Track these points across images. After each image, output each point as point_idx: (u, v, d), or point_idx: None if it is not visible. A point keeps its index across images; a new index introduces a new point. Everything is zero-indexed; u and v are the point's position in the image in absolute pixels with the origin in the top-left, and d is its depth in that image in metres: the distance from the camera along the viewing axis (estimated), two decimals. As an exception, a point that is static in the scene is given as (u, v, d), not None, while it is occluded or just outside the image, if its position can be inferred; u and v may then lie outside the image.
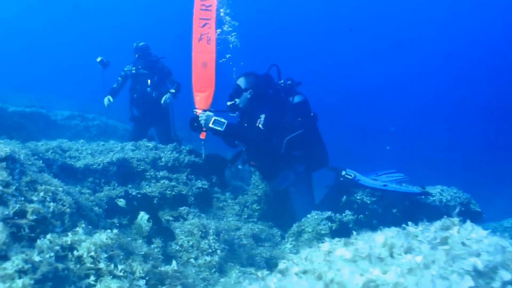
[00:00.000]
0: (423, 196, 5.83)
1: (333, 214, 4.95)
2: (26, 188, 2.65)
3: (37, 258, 2.07)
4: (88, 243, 2.37)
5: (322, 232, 4.68)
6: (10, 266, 1.96)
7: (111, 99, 9.29)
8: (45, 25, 45.85)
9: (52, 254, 2.19)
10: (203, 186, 5.69)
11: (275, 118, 5.55)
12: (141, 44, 9.35)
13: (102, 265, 2.31)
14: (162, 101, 8.96)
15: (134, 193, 4.81)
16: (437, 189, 6.20)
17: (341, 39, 41.92)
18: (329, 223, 4.80)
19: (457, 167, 21.25)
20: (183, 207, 4.90)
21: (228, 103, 5.93)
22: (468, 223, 1.52)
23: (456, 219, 1.56)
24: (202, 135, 5.93)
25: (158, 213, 4.57)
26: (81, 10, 47.00)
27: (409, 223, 1.81)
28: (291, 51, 42.85)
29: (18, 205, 2.39)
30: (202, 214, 4.99)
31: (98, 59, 9.32)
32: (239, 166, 6.28)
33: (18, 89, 18.62)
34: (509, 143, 27.55)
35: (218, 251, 3.82)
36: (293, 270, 1.52)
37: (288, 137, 5.59)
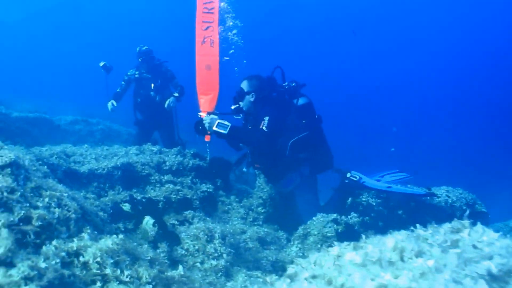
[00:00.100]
0: (428, 197, 5.80)
1: (338, 217, 4.94)
2: (31, 194, 2.64)
3: (43, 265, 2.06)
4: (94, 248, 2.36)
5: (328, 234, 4.66)
6: (16, 273, 1.94)
7: (114, 103, 9.29)
8: (47, 31, 45.91)
9: (58, 260, 2.18)
10: (208, 190, 5.68)
11: (279, 120, 5.54)
12: (144, 48, 9.34)
13: (108, 270, 2.29)
14: (165, 105, 8.96)
15: (139, 198, 4.80)
16: (442, 190, 6.18)
17: (343, 41, 41.87)
18: (335, 226, 4.78)
19: (461, 167, 21.19)
20: (188, 211, 4.89)
21: (232, 107, 5.94)
22: (479, 226, 1.50)
23: (466, 222, 1.54)
24: (207, 138, 5.92)
25: (163, 217, 4.56)
26: (84, 15, 47.10)
27: (418, 225, 1.79)
28: (294, 53, 42.87)
29: (23, 211, 2.38)
30: (208, 218, 4.97)
31: (101, 64, 9.32)
32: (244, 169, 6.26)
33: (22, 94, 18.63)
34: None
35: (224, 255, 3.81)
36: (303, 275, 1.50)
37: (293, 139, 5.57)
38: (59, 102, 20.43)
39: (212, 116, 5.68)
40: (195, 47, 6.23)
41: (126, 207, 4.50)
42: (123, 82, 9.61)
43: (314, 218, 4.99)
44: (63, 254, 2.26)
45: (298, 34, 45.09)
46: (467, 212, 1.68)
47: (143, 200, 4.76)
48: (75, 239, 2.48)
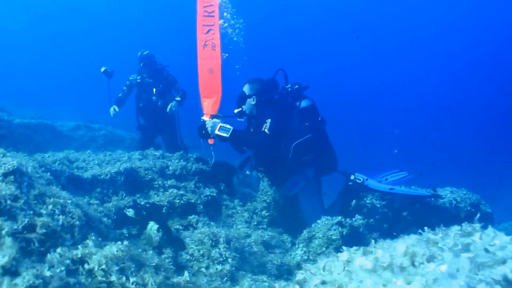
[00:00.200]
0: (433, 199, 5.78)
1: (343, 219, 4.91)
2: (35, 202, 2.62)
3: (48, 273, 2.04)
4: (99, 256, 2.34)
5: (333, 237, 4.64)
6: (21, 282, 1.93)
7: (116, 108, 9.30)
8: (49, 37, 46.01)
9: (62, 268, 2.16)
10: (212, 194, 5.67)
11: (281, 122, 5.52)
12: (145, 52, 9.35)
13: (113, 278, 2.27)
14: (168, 109, 8.95)
15: (142, 203, 4.78)
16: (446, 191, 6.16)
17: (346, 43, 41.86)
18: (340, 228, 4.75)
19: (464, 168, 21.15)
20: (192, 216, 4.87)
21: (235, 110, 5.94)
22: (490, 229, 1.47)
23: (477, 225, 1.52)
24: (211, 141, 5.91)
25: (167, 222, 4.54)
26: (86, 21, 47.17)
27: (426, 228, 1.77)
28: (297, 54, 42.91)
29: (27, 219, 2.36)
30: (212, 222, 4.95)
31: (102, 69, 9.33)
32: (247, 172, 6.25)
33: (24, 100, 18.67)
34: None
35: (229, 260, 3.78)
36: (312, 282, 1.48)
37: (296, 142, 5.55)
38: (61, 108, 20.47)
39: (214, 120, 5.68)
40: (197, 50, 6.23)
41: (130, 212, 4.49)
42: (125, 87, 9.62)
43: (318, 221, 4.96)
44: (68, 261, 2.25)
45: (300, 35, 45.14)
46: (478, 215, 1.66)
47: (147, 205, 4.74)
48: (79, 246, 2.47)
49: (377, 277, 1.33)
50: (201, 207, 5.26)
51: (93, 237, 2.68)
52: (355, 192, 5.81)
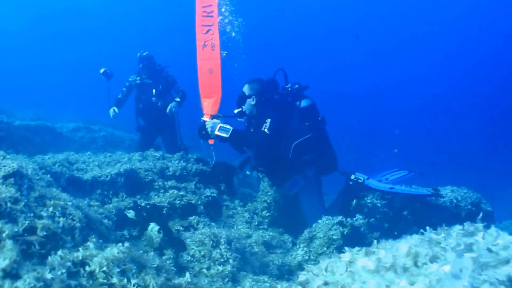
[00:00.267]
0: (433, 198, 5.77)
1: (344, 219, 4.90)
2: (35, 204, 2.62)
3: (49, 276, 2.04)
4: (100, 258, 2.34)
5: (334, 237, 4.63)
6: (22, 285, 1.92)
7: (116, 110, 9.29)
8: (47, 38, 45.98)
9: (64, 270, 2.16)
10: (212, 195, 5.66)
11: (281, 122, 5.52)
12: (145, 53, 9.33)
13: (115, 280, 2.27)
14: (167, 110, 8.94)
15: (143, 204, 4.78)
16: (447, 190, 6.16)
17: (346, 43, 41.83)
18: (341, 228, 4.75)
19: (464, 167, 21.14)
20: (193, 217, 4.86)
21: (235, 111, 5.94)
22: (493, 228, 1.47)
23: (480, 225, 1.51)
24: (211, 141, 5.91)
25: (168, 223, 4.53)
26: (85, 22, 47.15)
27: (428, 228, 1.76)
28: (296, 55, 42.89)
29: (27, 222, 2.36)
30: (212, 223, 4.94)
31: (101, 71, 9.31)
32: (247, 172, 6.25)
33: (23, 102, 18.65)
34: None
35: (230, 260, 3.78)
36: (315, 283, 1.47)
37: (296, 141, 5.55)
38: (60, 109, 20.45)
39: (214, 120, 5.68)
40: (196, 51, 6.23)
41: (131, 214, 4.48)
42: (124, 88, 9.61)
43: (319, 221, 4.95)
44: (69, 264, 2.24)
45: (301, 35, 45.14)
46: (480, 215, 1.65)
47: (147, 206, 4.74)
48: (80, 249, 2.46)
49: (380, 278, 1.32)
50: (202, 207, 5.25)
51: (94, 239, 2.68)
52: (355, 191, 5.80)
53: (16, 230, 2.24)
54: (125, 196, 5.26)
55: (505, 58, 36.86)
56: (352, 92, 37.52)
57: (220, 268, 3.69)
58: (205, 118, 5.89)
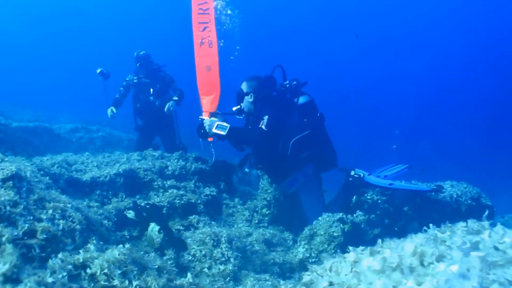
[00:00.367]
0: (433, 193, 5.76)
1: (344, 216, 4.89)
2: (35, 207, 2.60)
3: (50, 280, 2.02)
4: (101, 260, 2.32)
5: (335, 234, 4.62)
6: (23, 290, 1.91)
7: (114, 110, 9.27)
8: (44, 39, 45.90)
9: (64, 273, 2.14)
10: (212, 193, 5.65)
11: (278, 119, 5.51)
12: (142, 53, 9.31)
13: (116, 282, 2.25)
14: (165, 109, 8.93)
15: (142, 204, 4.76)
16: (447, 185, 6.15)
17: (346, 41, 41.80)
18: (341, 225, 4.74)
19: (465, 162, 21.15)
20: (193, 216, 4.85)
21: (234, 108, 5.94)
22: (499, 226, 1.45)
23: (486, 223, 1.49)
24: (210, 139, 5.90)
25: (168, 223, 4.52)
26: (81, 22, 47.09)
27: (431, 225, 1.74)
28: (298, 51, 42.89)
29: (27, 225, 2.34)
30: (213, 222, 4.93)
31: (98, 71, 9.29)
32: (246, 169, 6.25)
33: (20, 103, 18.60)
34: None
35: (232, 259, 3.77)
36: (320, 283, 1.45)
37: (294, 138, 5.54)
38: (58, 109, 20.42)
39: (212, 118, 5.68)
40: (194, 49, 6.21)
41: (130, 214, 4.47)
42: (121, 88, 9.58)
43: (320, 218, 4.94)
44: (70, 267, 2.22)
45: (301, 32, 45.13)
46: (486, 212, 1.63)
47: (147, 206, 4.72)
48: (81, 251, 2.44)
49: (386, 278, 1.31)
50: (202, 206, 5.24)
51: (94, 241, 2.66)
52: (355, 188, 5.79)
53: (16, 233, 2.22)
54: (124, 196, 5.25)
55: (504, 55, 36.86)
56: (351, 88, 37.53)
57: (222, 267, 3.67)
58: (204, 116, 5.88)
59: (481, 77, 37.68)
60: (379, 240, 1.68)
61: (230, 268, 3.68)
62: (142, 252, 2.71)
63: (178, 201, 5.06)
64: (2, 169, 2.69)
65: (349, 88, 37.63)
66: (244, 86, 5.89)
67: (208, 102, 6.04)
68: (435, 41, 42.00)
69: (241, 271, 3.84)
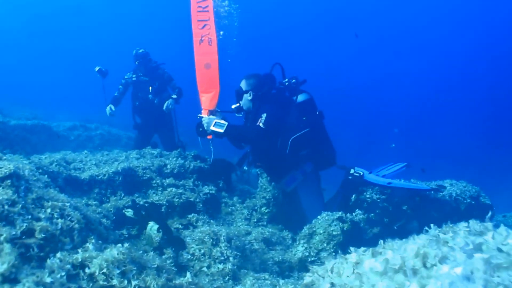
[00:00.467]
0: (432, 192, 5.76)
1: (344, 214, 4.88)
2: (33, 206, 2.59)
3: (48, 280, 2.01)
4: (100, 259, 2.31)
5: (334, 233, 4.61)
6: (21, 290, 1.90)
7: (113, 108, 9.25)
8: (42, 37, 45.84)
9: (63, 273, 2.13)
10: (211, 192, 5.64)
11: (276, 117, 5.50)
12: (140, 51, 9.30)
13: (115, 281, 2.24)
14: (164, 107, 8.92)
15: (141, 203, 4.75)
16: (446, 184, 6.15)
17: (346, 40, 41.80)
18: (340, 224, 4.73)
19: (462, 160, 21.17)
20: (192, 214, 4.83)
21: (233, 106, 5.93)
22: (502, 227, 1.43)
23: (489, 224, 1.48)
24: (210, 136, 5.89)
25: (167, 221, 4.50)
26: (80, 20, 47.04)
27: (432, 225, 1.73)
28: (294, 50, 42.90)
29: (25, 224, 2.33)
30: (212, 221, 4.92)
31: (96, 69, 9.28)
32: (245, 167, 6.24)
33: (18, 101, 18.58)
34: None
35: (231, 258, 3.75)
36: (323, 286, 1.44)
37: (293, 136, 5.53)
38: (56, 107, 20.39)
39: (210, 116, 5.68)
40: (193, 46, 6.20)
41: (129, 212, 4.45)
42: (120, 86, 9.57)
43: (319, 216, 4.93)
44: (68, 266, 2.21)
45: (301, 31, 45.12)
46: (490, 213, 1.62)
47: (146, 205, 4.71)
48: (79, 250, 2.43)
49: (389, 280, 1.29)
50: (201, 205, 5.22)
51: (93, 240, 2.65)
52: (354, 186, 5.78)
53: (14, 233, 2.21)
54: (123, 194, 5.23)
55: (503, 54, 36.89)
56: (351, 86, 37.55)
57: (221, 266, 3.66)
58: (203, 114, 5.87)
59: (480, 76, 37.70)
60: (381, 241, 1.66)
61: (229, 267, 3.67)
62: (141, 251, 2.69)
63: (177, 199, 5.04)
64: (0, 167, 2.67)
65: (348, 86, 37.67)
66: (243, 84, 5.89)
67: (207, 99, 6.04)
68: (434, 40, 42.06)
69: (240, 270, 3.83)
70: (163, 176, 5.80)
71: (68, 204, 2.82)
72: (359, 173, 5.78)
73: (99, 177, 5.27)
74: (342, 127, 22.91)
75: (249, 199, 6.26)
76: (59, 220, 2.58)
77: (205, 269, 3.64)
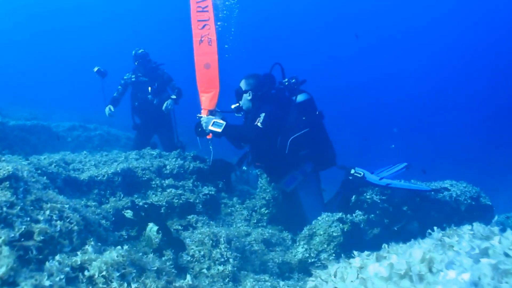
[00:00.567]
0: (432, 192, 5.74)
1: (344, 215, 4.86)
2: (32, 207, 2.57)
3: (47, 283, 1.99)
4: (99, 262, 2.29)
5: (334, 234, 4.59)
6: (19, 293, 1.87)
7: (112, 108, 9.23)
8: (41, 37, 45.83)
9: (62, 276, 2.11)
10: (210, 192, 5.62)
11: (275, 116, 5.48)
12: (140, 51, 9.28)
13: (115, 284, 2.22)
14: (163, 108, 8.90)
15: (140, 204, 4.73)
16: (446, 184, 6.13)
17: (345, 38, 41.80)
18: (341, 225, 4.71)
19: (462, 161, 21.16)
20: (192, 215, 4.82)
21: (233, 106, 5.92)
22: (509, 232, 1.41)
23: (496, 228, 1.46)
24: (209, 136, 5.88)
25: (167, 222, 4.49)
26: (80, 20, 47.03)
27: (435, 228, 1.71)
28: (294, 50, 42.91)
29: (24, 226, 2.31)
30: (211, 222, 4.91)
31: (95, 69, 9.26)
32: (244, 167, 6.22)
33: (18, 101, 18.57)
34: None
35: (231, 260, 3.74)
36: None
37: (293, 136, 5.52)
38: (56, 108, 20.37)
39: (209, 116, 5.66)
40: (193, 47, 6.18)
41: (129, 214, 4.43)
42: (119, 86, 9.55)
43: (319, 217, 4.91)
44: (67, 269, 2.19)
45: (301, 31, 45.14)
46: (496, 218, 1.60)
47: (145, 205, 4.69)
48: (78, 253, 2.41)
49: (394, 286, 1.27)
50: (200, 206, 5.21)
51: (92, 242, 2.62)
52: (355, 187, 5.76)
53: (13, 235, 2.19)
54: (122, 195, 5.20)
55: (503, 54, 36.90)
56: (351, 86, 37.55)
57: (221, 268, 3.65)
58: (202, 114, 5.86)
59: (480, 76, 37.71)
60: (385, 245, 1.64)
61: (229, 268, 3.65)
62: (140, 253, 2.67)
63: (177, 200, 5.02)
64: (-1, 169, 2.65)
65: (348, 86, 37.65)
66: (242, 84, 5.88)
67: (207, 99, 6.02)
68: (434, 40, 42.09)
69: (240, 272, 3.81)
70: (163, 177, 5.78)
71: (67, 206, 2.80)
72: (360, 174, 5.77)
73: (98, 178, 5.25)
74: (342, 127, 22.89)
75: (249, 199, 6.24)
76: (58, 222, 2.57)
77: (205, 270, 3.62)
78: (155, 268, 2.57)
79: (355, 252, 1.66)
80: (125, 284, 2.25)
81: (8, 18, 46.58)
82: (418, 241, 1.60)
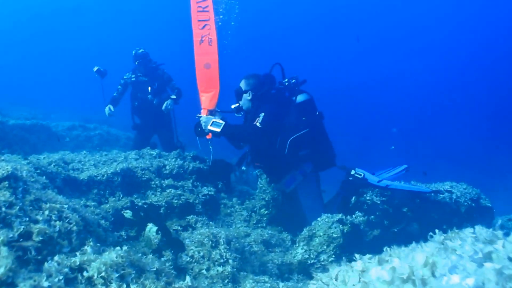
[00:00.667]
0: (432, 194, 5.73)
1: (344, 217, 4.85)
2: (31, 208, 2.56)
3: (45, 284, 1.98)
4: (98, 263, 2.28)
5: (334, 235, 4.58)
6: (18, 294, 1.86)
7: (112, 108, 9.21)
8: (41, 36, 45.82)
9: (61, 277, 2.10)
10: (210, 193, 5.61)
11: (274, 116, 5.47)
12: (140, 51, 9.26)
13: (114, 285, 2.21)
14: (163, 108, 8.88)
15: (140, 204, 4.72)
16: (446, 186, 6.11)
17: (345, 39, 41.81)
18: (340, 226, 4.70)
19: (462, 162, 21.15)
20: (191, 216, 4.81)
21: (233, 106, 5.91)
22: (512, 236, 1.40)
23: (499, 232, 1.44)
24: (209, 136, 5.87)
25: (166, 223, 4.48)
26: (80, 20, 47.02)
27: (437, 231, 1.70)
28: (294, 50, 42.91)
29: (23, 226, 2.30)
30: (211, 222, 4.90)
31: (95, 69, 9.24)
32: (243, 167, 6.20)
33: (17, 101, 18.56)
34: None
35: (230, 261, 3.72)
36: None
37: (292, 136, 5.50)
38: (55, 108, 20.36)
39: (208, 116, 5.65)
40: (193, 47, 6.17)
41: (128, 214, 4.42)
42: (119, 86, 9.53)
43: (319, 219, 4.90)
44: (66, 270, 2.18)
45: (301, 30, 45.16)
46: (500, 221, 1.58)
47: (145, 206, 4.68)
48: (77, 253, 2.40)
49: (397, 291, 1.26)
50: (200, 206, 5.20)
51: (91, 243, 2.61)
52: (355, 187, 5.75)
53: (11, 235, 2.18)
54: (122, 195, 5.19)
55: (503, 55, 36.91)
56: (351, 87, 37.55)
57: (220, 269, 3.63)
58: (202, 113, 5.85)
59: (480, 76, 37.72)
60: (387, 248, 1.63)
61: (229, 269, 3.64)
62: (140, 254, 2.66)
63: (176, 200, 5.02)
64: (-2, 169, 2.64)
65: (348, 86, 37.65)
66: (242, 84, 5.87)
67: (207, 99, 6.01)
68: (435, 40, 42.10)
69: (240, 273, 3.80)
70: (162, 177, 5.76)
71: (66, 206, 2.79)
72: (360, 174, 5.75)
73: (98, 177, 5.24)
74: (342, 127, 22.88)
75: (248, 200, 6.24)
76: (57, 222, 2.55)
77: (204, 271, 3.61)
78: (155, 269, 2.56)
79: (357, 255, 1.64)
80: (124, 285, 2.24)
81: (8, 18, 46.58)
82: (420, 244, 1.58)
